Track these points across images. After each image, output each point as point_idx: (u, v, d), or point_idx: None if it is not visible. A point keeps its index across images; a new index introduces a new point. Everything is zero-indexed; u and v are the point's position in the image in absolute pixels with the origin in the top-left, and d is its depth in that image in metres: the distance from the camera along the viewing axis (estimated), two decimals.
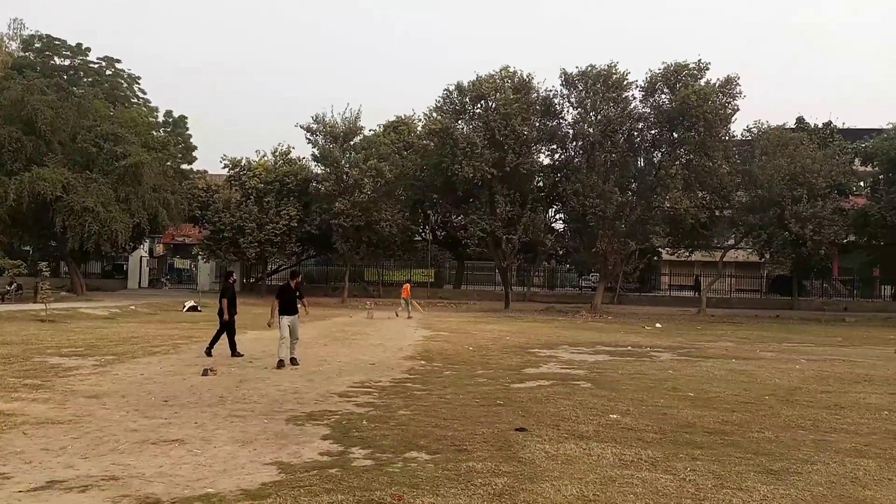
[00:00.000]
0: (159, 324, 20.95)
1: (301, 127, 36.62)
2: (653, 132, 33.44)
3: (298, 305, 12.70)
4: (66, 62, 47.16)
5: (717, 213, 34.53)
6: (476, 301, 38.34)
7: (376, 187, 34.07)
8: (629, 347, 17.28)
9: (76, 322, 20.71)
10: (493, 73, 33.84)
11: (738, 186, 33.93)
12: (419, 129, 39.18)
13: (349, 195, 34.22)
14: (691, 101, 30.54)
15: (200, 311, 26.87)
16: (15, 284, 29.67)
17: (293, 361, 12.16)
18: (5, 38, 44.15)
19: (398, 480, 5.33)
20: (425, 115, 36.24)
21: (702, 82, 32.06)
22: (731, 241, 37.29)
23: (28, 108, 30.50)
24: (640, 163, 34.90)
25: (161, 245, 49.44)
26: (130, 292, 38.38)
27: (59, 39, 46.83)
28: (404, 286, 30.69)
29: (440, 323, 24.50)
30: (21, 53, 45.44)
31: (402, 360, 13.59)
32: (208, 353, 13.15)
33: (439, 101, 35.19)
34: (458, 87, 34.45)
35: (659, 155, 34.30)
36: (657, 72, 32.61)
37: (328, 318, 25.48)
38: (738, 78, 32.20)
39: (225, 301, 13.52)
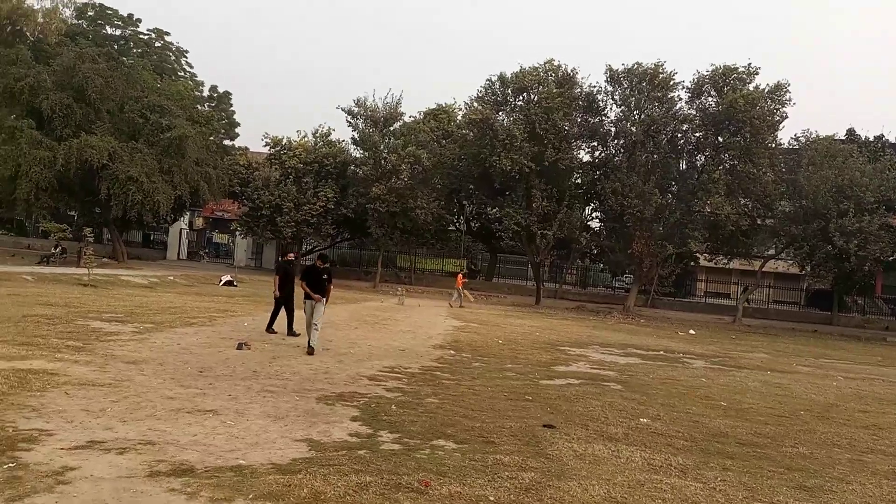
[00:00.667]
0: (196, 296, 21.36)
1: (342, 109, 36.87)
2: (697, 135, 32.83)
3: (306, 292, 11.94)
4: (118, 32, 48.25)
5: (758, 221, 33.80)
6: (507, 295, 38.24)
7: (413, 174, 34.14)
8: (661, 352, 17.07)
9: (117, 288, 21.25)
10: (537, 65, 33.58)
11: (783, 195, 33.13)
12: (459, 118, 39.12)
13: (386, 180, 34.36)
14: (739, 106, 29.90)
15: (236, 286, 27.34)
16: (60, 248, 30.56)
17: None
18: (59, 5, 45.17)
19: (425, 467, 5.36)
20: (466, 104, 36.17)
21: (750, 87, 31.36)
22: (772, 251, 36.45)
23: (79, 76, 31.24)
24: (682, 165, 34.30)
25: (201, 218, 50.36)
26: (169, 263, 39.21)
27: (111, 9, 47.90)
28: (458, 276, 31.11)
29: (470, 314, 24.53)
30: (74, 21, 46.50)
31: (431, 348, 13.65)
32: (269, 330, 13.24)
33: (481, 91, 35.05)
34: (501, 77, 34.24)
35: (702, 158, 33.72)
36: (705, 73, 31.98)
37: (359, 302, 25.70)
38: (789, 84, 31.46)
39: (277, 278, 13.39)
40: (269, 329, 13.34)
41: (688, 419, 8.34)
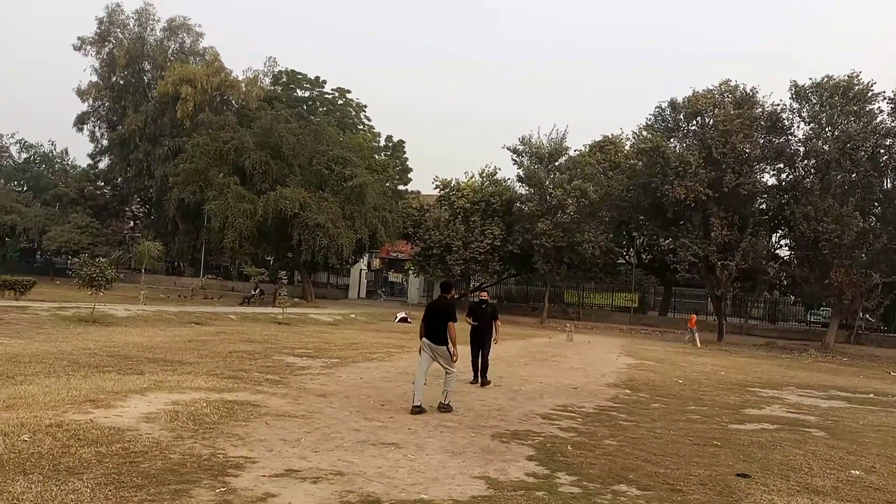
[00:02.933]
0: (375, 332, 22.58)
1: (507, 148, 37.58)
2: None
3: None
4: (306, 94, 53.37)
5: None
6: (684, 331, 36.05)
7: (579, 208, 33.71)
8: (871, 395, 15.06)
9: (307, 326, 23.08)
10: (712, 87, 31.98)
11: None
12: (627, 148, 38.18)
13: (552, 216, 34.25)
14: None
15: (410, 322, 28.53)
16: (259, 290, 33.96)
17: (418, 410, 8.71)
18: (260, 75, 51.03)
19: None
20: (634, 133, 35.31)
21: None
22: None
23: (275, 136, 34.93)
24: (887, 184, 30.52)
25: (378, 259, 53.39)
26: (351, 301, 41.94)
27: (301, 73, 53.16)
28: (692, 317, 30.93)
29: (645, 352, 23.42)
30: (270, 87, 52.22)
31: (605, 386, 13.18)
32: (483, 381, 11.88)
33: (650, 119, 34.12)
34: (672, 103, 33.03)
35: None
36: None
37: (527, 339, 25.61)
38: None
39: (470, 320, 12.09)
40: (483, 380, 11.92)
41: None
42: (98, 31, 50.01)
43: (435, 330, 8.93)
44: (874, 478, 6.92)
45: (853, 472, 7.10)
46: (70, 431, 6.27)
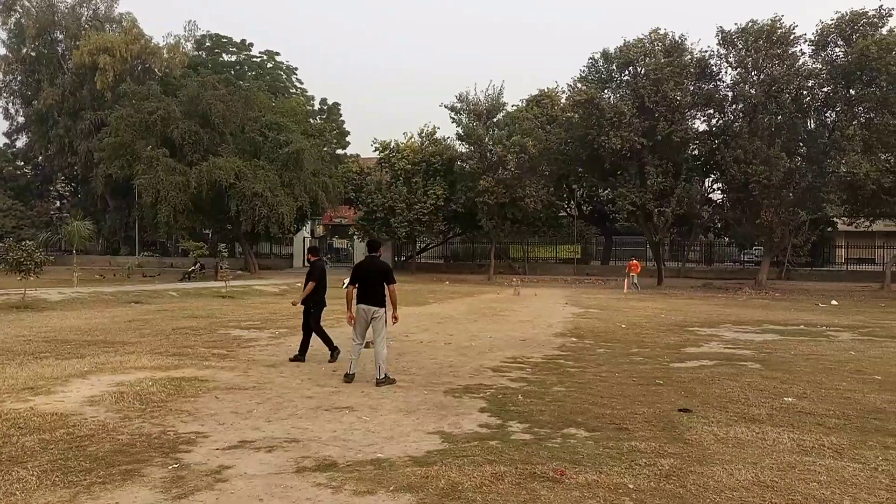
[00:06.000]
0: None
1: (445, 106, 37.30)
2: (825, 90, 30.26)
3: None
4: (233, 58, 51.38)
5: None
6: (625, 277, 37.15)
7: (520, 163, 33.92)
8: (801, 326, 15.95)
9: (251, 298, 22.71)
10: (642, 36, 32.30)
11: None
12: (563, 101, 38.42)
13: (493, 172, 34.39)
14: (871, 53, 27.25)
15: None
16: (199, 264, 33.10)
17: (348, 378, 8.34)
18: (182, 40, 48.79)
19: (559, 456, 5.32)
20: (569, 86, 35.42)
21: (883, 31, 28.52)
22: None
23: (203, 104, 33.64)
24: (811, 124, 31.74)
25: (321, 226, 52.71)
26: (296, 270, 41.36)
27: (225, 37, 51.09)
28: (633, 263, 31.13)
29: (589, 300, 24.06)
30: (194, 52, 50.04)
31: (552, 336, 13.52)
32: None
33: (584, 71, 34.24)
34: (604, 54, 33.26)
35: (833, 115, 31.00)
36: (829, 23, 29.39)
37: (475, 295, 25.93)
38: None
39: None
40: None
41: (838, 396, 7.74)
42: None
43: (374, 292, 8.41)
44: (805, 403, 7.36)
45: (786, 399, 7.54)
46: (10, 420, 6.06)
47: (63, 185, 55.16)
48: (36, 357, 9.69)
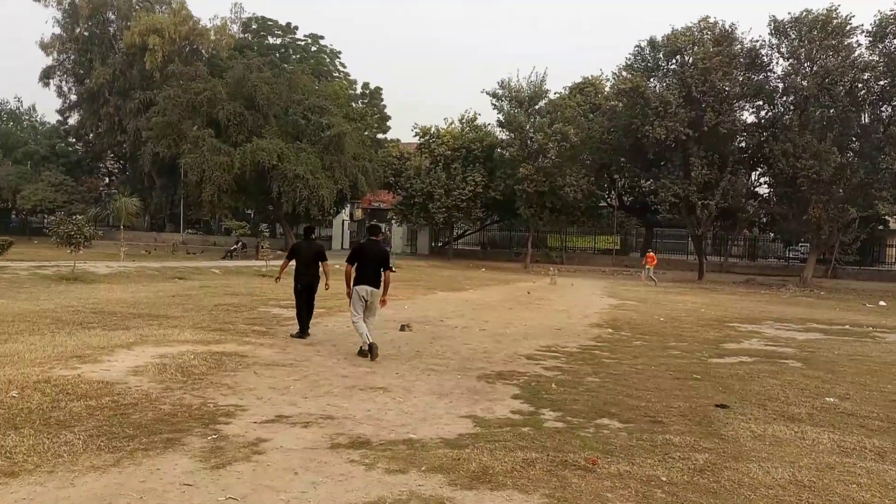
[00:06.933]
0: None
1: (487, 93, 37.10)
2: (881, 83, 29.17)
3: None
4: (278, 41, 51.92)
5: None
6: (665, 270, 36.57)
7: (561, 151, 33.60)
8: (847, 326, 15.50)
9: (290, 278, 22.99)
10: (691, 24, 31.61)
11: None
12: (607, 89, 37.85)
13: (533, 160, 34.15)
14: None
15: (395, 271, 28.54)
16: (240, 243, 33.76)
17: (371, 349, 8.62)
18: (228, 22, 49.47)
19: (591, 445, 5.30)
20: (614, 74, 34.97)
21: None
22: None
23: (249, 86, 34.13)
24: (865, 119, 30.67)
25: (360, 210, 53.11)
26: (334, 252, 41.60)
27: (271, 20, 51.57)
28: (649, 255, 30.85)
29: (627, 292, 23.78)
30: (241, 35, 50.70)
31: (588, 326, 13.42)
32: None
33: (629, 59, 33.71)
34: (651, 42, 32.65)
35: (889, 109, 29.98)
36: (888, 13, 28.25)
37: (511, 283, 25.85)
38: None
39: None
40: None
41: (883, 398, 7.51)
42: None
43: (375, 275, 8.83)
44: (847, 404, 7.17)
45: (828, 399, 7.36)
46: (58, 387, 6.29)
47: (112, 162, 56.74)
48: (84, 327, 10.04)
